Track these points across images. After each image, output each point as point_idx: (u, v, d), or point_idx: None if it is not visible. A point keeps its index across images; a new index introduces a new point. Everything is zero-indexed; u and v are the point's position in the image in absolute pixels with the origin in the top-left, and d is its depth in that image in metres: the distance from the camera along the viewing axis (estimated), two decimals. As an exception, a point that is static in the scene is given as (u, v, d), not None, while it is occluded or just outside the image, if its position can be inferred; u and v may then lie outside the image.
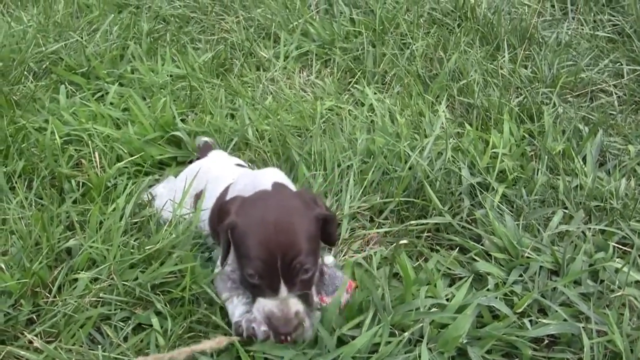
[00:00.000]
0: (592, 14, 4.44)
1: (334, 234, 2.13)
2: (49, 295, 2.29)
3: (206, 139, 3.20)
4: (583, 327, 2.06)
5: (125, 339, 2.15)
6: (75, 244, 2.45)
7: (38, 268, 2.30)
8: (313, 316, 2.01)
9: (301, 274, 1.91)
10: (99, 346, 2.08)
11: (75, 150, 3.11)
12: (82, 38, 4.08)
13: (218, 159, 2.88)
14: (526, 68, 3.82)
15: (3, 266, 2.33)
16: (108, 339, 2.14)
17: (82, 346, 2.09)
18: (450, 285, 2.37)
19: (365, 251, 2.54)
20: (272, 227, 1.91)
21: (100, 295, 2.23)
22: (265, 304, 1.94)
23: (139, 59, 3.98)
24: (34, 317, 2.22)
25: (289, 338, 1.95)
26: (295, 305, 1.92)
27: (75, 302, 2.21)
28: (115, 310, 2.22)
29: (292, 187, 2.35)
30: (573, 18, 4.43)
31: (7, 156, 3.04)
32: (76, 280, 2.32)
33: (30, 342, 2.11)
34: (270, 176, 2.31)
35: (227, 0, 4.71)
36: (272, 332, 1.95)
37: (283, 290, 1.90)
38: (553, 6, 4.57)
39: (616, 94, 3.61)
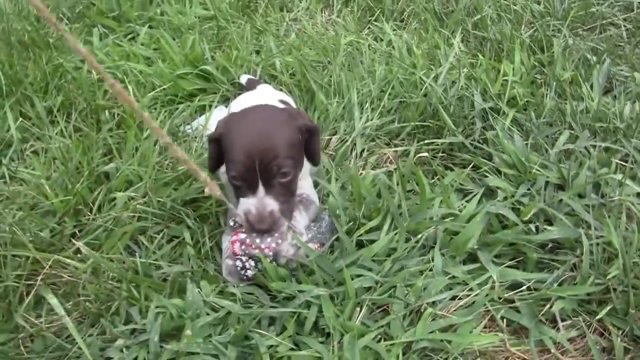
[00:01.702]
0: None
1: (317, 148, 2.29)
2: (90, 213, 2.47)
3: (249, 76, 3.34)
4: (584, 233, 2.21)
5: (160, 249, 2.33)
6: (112, 167, 2.63)
7: (80, 188, 2.49)
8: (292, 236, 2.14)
9: (279, 176, 2.08)
10: (137, 254, 2.27)
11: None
12: (111, -16, 4.22)
13: (264, 91, 2.99)
14: (539, 4, 3.91)
15: (47, 188, 2.52)
16: (144, 248, 2.33)
17: (121, 254, 2.27)
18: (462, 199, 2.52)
19: (382, 167, 2.71)
20: (253, 134, 2.07)
21: (137, 209, 2.42)
22: (244, 203, 2.10)
23: (167, 2, 4.13)
24: (77, 232, 2.39)
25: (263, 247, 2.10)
26: (271, 205, 2.08)
27: (114, 217, 2.41)
28: (150, 224, 2.40)
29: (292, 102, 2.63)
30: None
31: (47, 92, 3.21)
32: (114, 199, 2.50)
33: (76, 252, 2.29)
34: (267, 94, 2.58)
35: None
36: (249, 228, 2.11)
37: (261, 190, 2.07)
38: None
39: (625, 26, 3.69)
